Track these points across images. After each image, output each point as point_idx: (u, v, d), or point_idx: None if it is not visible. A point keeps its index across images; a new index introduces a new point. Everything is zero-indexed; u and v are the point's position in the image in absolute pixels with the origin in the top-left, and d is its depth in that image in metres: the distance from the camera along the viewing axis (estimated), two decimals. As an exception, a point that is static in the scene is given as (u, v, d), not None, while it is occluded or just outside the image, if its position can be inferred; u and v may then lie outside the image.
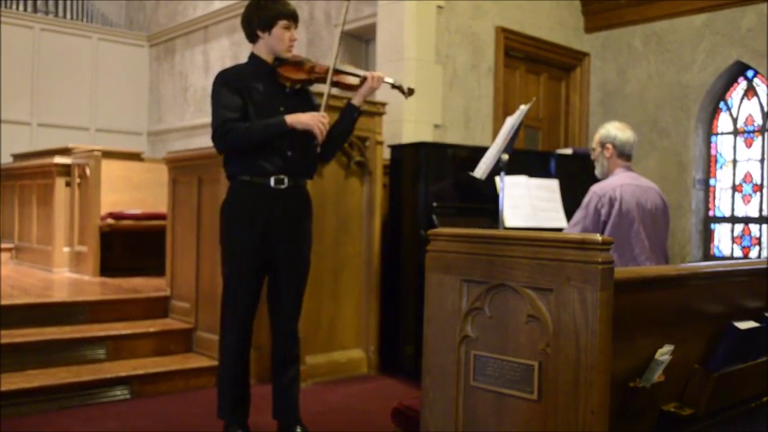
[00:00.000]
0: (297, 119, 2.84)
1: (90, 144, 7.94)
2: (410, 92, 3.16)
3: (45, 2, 10.01)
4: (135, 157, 6.17)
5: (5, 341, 3.63)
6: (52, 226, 5.93)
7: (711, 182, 5.89)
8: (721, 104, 5.85)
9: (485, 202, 4.34)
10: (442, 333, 1.77)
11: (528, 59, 6.14)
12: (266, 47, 2.95)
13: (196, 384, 3.90)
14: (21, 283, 5.08)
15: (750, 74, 5.66)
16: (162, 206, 5.05)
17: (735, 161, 5.79)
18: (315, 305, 4.03)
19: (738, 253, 5.74)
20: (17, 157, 7.71)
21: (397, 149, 4.58)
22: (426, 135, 5.15)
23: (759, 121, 5.67)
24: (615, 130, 3.46)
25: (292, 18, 2.94)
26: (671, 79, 5.92)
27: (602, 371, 1.49)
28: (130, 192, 5.89)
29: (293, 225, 2.96)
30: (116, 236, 5.78)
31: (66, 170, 5.93)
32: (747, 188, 5.73)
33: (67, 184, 5.93)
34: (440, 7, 5.30)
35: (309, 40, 7.16)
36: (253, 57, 2.99)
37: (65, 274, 5.79)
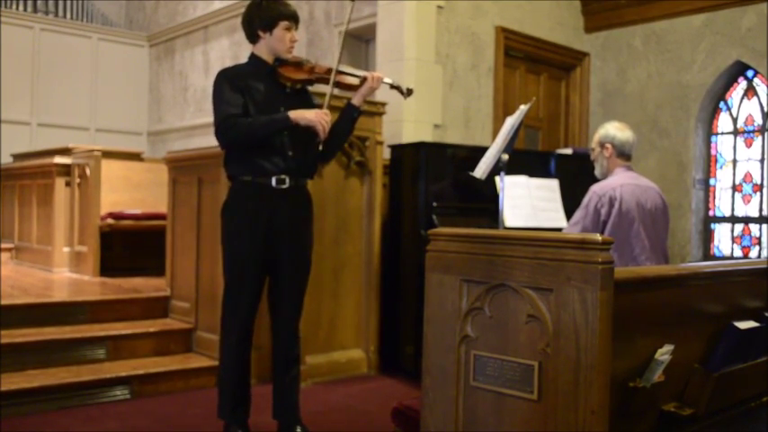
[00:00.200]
0: (300, 115, 2.84)
1: (90, 144, 7.94)
2: (409, 92, 3.16)
3: (45, 2, 10.01)
4: (135, 157, 6.17)
5: (5, 341, 3.63)
6: (52, 226, 5.93)
7: (711, 182, 5.89)
8: (721, 104, 5.85)
9: (485, 202, 4.34)
10: (441, 333, 1.77)
11: (528, 59, 6.14)
12: (267, 47, 2.95)
13: (196, 384, 3.90)
14: (21, 283, 5.08)
15: (750, 74, 5.66)
16: (162, 206, 5.05)
17: (735, 161, 5.79)
18: (315, 305, 4.03)
19: (738, 253, 5.74)
20: (17, 157, 7.71)
21: (397, 149, 4.58)
22: (426, 135, 5.15)
23: (759, 120, 5.67)
24: (614, 129, 3.46)
25: (293, 19, 2.94)
26: (671, 79, 5.92)
27: (602, 371, 1.49)
28: (130, 192, 5.89)
29: (295, 225, 2.96)
30: (116, 236, 5.78)
31: (66, 170, 5.93)
32: (747, 188, 5.73)
33: (67, 184, 5.93)
34: (440, 7, 5.30)
35: (309, 40, 7.16)
36: (253, 57, 2.99)
37: (65, 274, 5.79)
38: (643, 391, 1.71)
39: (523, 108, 4.03)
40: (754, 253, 5.64)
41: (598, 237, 1.51)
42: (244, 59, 3.08)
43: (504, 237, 1.67)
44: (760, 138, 5.66)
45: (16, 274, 5.62)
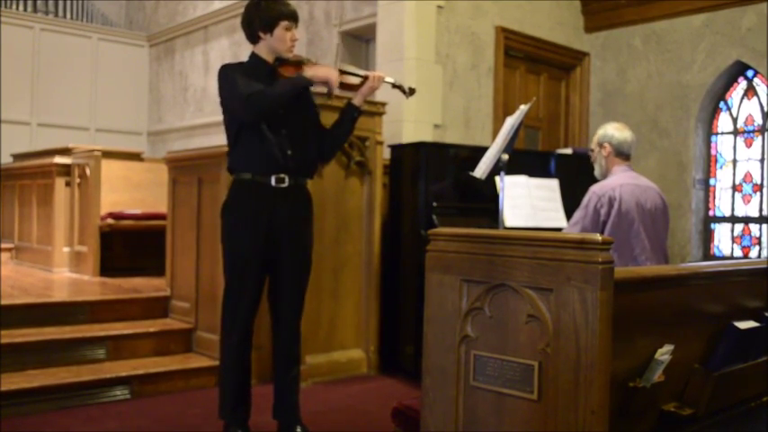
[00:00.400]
0: (314, 72, 2.88)
1: (90, 144, 7.94)
2: (411, 92, 3.16)
3: (45, 2, 10.01)
4: (135, 157, 6.17)
5: (5, 341, 3.63)
6: (52, 226, 5.93)
7: (711, 182, 5.89)
8: (721, 104, 5.85)
9: (485, 202, 4.34)
10: (441, 333, 1.77)
11: (528, 59, 6.14)
12: (267, 47, 2.94)
13: (196, 384, 3.90)
14: (21, 283, 5.08)
15: (750, 74, 5.66)
16: (162, 206, 5.05)
17: (735, 161, 5.79)
18: (315, 305, 4.03)
19: (738, 253, 5.74)
20: (17, 157, 7.71)
21: (397, 149, 4.58)
22: (426, 135, 5.15)
23: (759, 120, 5.67)
24: (613, 129, 3.46)
25: (293, 18, 2.93)
26: (671, 79, 5.92)
27: (602, 371, 1.49)
28: (130, 192, 5.89)
29: (295, 224, 2.96)
30: (116, 236, 5.78)
31: (66, 170, 5.93)
32: (747, 188, 5.73)
33: (67, 184, 5.93)
34: (440, 7, 5.30)
35: (309, 39, 7.16)
36: (254, 56, 2.99)
37: (65, 274, 5.79)
38: (643, 391, 1.71)
39: (523, 108, 4.03)
40: (754, 253, 5.64)
41: (598, 237, 1.51)
42: (244, 59, 3.08)
43: (504, 237, 1.67)
44: (760, 138, 5.66)
45: (16, 274, 5.62)
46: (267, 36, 2.92)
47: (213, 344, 3.97)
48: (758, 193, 5.65)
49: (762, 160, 5.64)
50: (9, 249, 6.75)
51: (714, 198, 5.88)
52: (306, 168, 3.01)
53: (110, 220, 5.56)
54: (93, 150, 5.77)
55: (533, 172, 4.49)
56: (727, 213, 5.82)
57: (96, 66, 9.97)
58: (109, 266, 5.60)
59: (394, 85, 3.11)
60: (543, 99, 6.31)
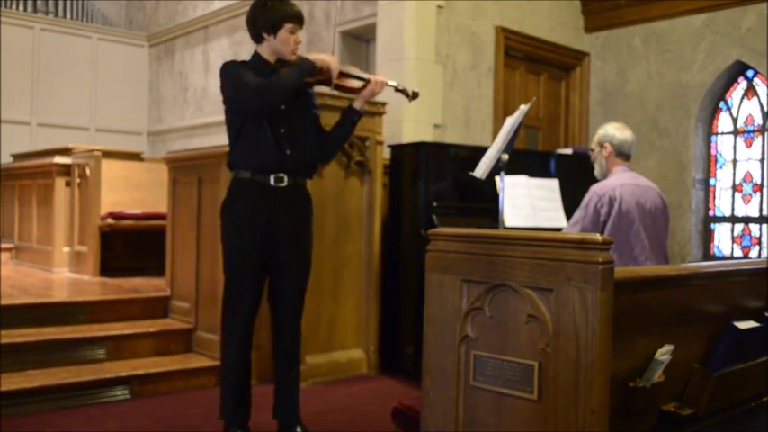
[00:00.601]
0: (317, 56, 2.90)
1: (90, 144, 7.94)
2: (414, 95, 3.14)
3: (45, 2, 10.01)
4: (135, 157, 6.17)
5: (5, 341, 3.63)
6: (52, 226, 5.93)
7: (711, 182, 5.89)
8: (721, 104, 5.85)
9: (485, 202, 4.34)
10: (441, 333, 1.77)
11: (528, 59, 6.14)
12: (270, 48, 2.93)
13: (196, 384, 3.90)
14: (21, 283, 5.08)
15: (750, 74, 5.66)
16: (162, 206, 5.05)
17: (735, 161, 5.79)
18: (315, 305, 4.03)
19: (738, 253, 5.74)
20: (17, 157, 7.71)
21: (397, 149, 4.58)
22: (426, 135, 5.15)
23: (759, 120, 5.67)
24: (613, 129, 3.46)
25: (298, 21, 2.91)
26: (671, 79, 5.92)
27: (602, 371, 1.49)
28: (130, 192, 5.89)
29: (294, 224, 2.96)
30: (116, 236, 5.78)
31: (66, 170, 5.93)
32: (747, 188, 5.73)
33: (67, 184, 5.92)
34: (440, 7, 5.30)
35: (309, 39, 7.15)
36: (256, 56, 2.98)
37: (65, 274, 5.79)
38: (643, 391, 1.71)
39: (523, 108, 4.03)
40: (754, 253, 5.64)
41: (598, 237, 1.51)
42: (244, 59, 3.07)
43: (504, 237, 1.67)
44: (760, 138, 5.66)
45: (16, 274, 5.62)
46: (271, 37, 2.90)
47: (213, 344, 3.97)
48: (758, 193, 5.64)
49: (762, 160, 5.64)
50: (9, 249, 6.75)
51: (714, 198, 5.88)
52: (305, 168, 3.01)
53: (110, 220, 5.56)
54: (93, 150, 5.77)
55: (533, 172, 4.49)
56: (727, 213, 5.82)
57: (96, 66, 9.97)
58: (109, 266, 5.59)
59: (397, 89, 3.11)
60: (543, 99, 6.31)
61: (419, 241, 4.19)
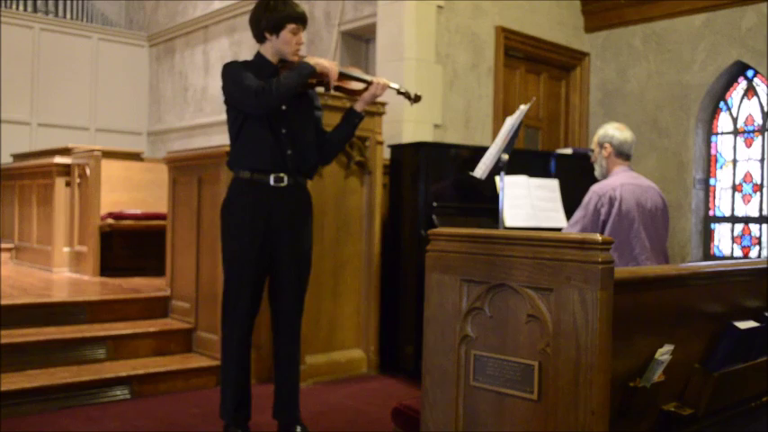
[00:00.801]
0: (317, 61, 2.88)
1: (90, 144, 7.94)
2: (417, 98, 3.14)
3: (45, 2, 10.01)
4: (135, 156, 6.17)
5: (5, 341, 3.63)
6: (52, 226, 5.93)
7: (711, 182, 5.89)
8: (721, 104, 5.85)
9: (485, 202, 4.34)
10: (442, 333, 1.77)
11: (528, 59, 6.14)
12: (273, 49, 2.94)
13: (196, 384, 3.90)
14: (21, 283, 5.08)
15: (750, 73, 5.66)
16: (162, 206, 5.05)
17: (735, 161, 5.79)
18: (315, 305, 4.03)
19: (738, 253, 5.74)
20: (17, 157, 7.71)
21: (396, 149, 4.58)
22: (426, 135, 5.15)
23: (759, 120, 5.67)
24: (613, 129, 3.47)
25: (301, 21, 2.91)
26: (671, 79, 5.92)
27: (602, 371, 1.49)
28: (130, 192, 5.89)
29: (294, 224, 2.96)
30: (116, 236, 5.78)
31: (66, 170, 5.93)
32: (747, 188, 5.73)
33: (67, 184, 5.93)
34: (440, 7, 5.30)
35: (309, 39, 7.15)
36: (259, 56, 2.98)
37: (65, 274, 5.79)
38: (643, 391, 1.71)
39: (523, 108, 4.03)
40: (754, 253, 5.64)
41: (598, 237, 1.51)
42: (244, 59, 3.07)
43: (504, 237, 1.67)
44: (760, 138, 5.66)
45: (16, 274, 5.62)
46: (273, 37, 2.91)
47: (213, 344, 3.97)
48: (758, 193, 5.64)
49: (762, 160, 5.64)
50: (9, 249, 6.75)
51: (714, 198, 5.88)
52: (305, 168, 3.01)
53: (110, 220, 5.56)
54: (93, 150, 5.77)
55: (533, 172, 4.49)
56: (727, 213, 5.82)
57: (96, 66, 9.97)
58: (109, 266, 5.60)
59: (399, 92, 3.10)
60: (543, 99, 6.31)
61: (419, 241, 4.19)
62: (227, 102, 2.94)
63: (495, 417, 1.67)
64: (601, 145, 3.48)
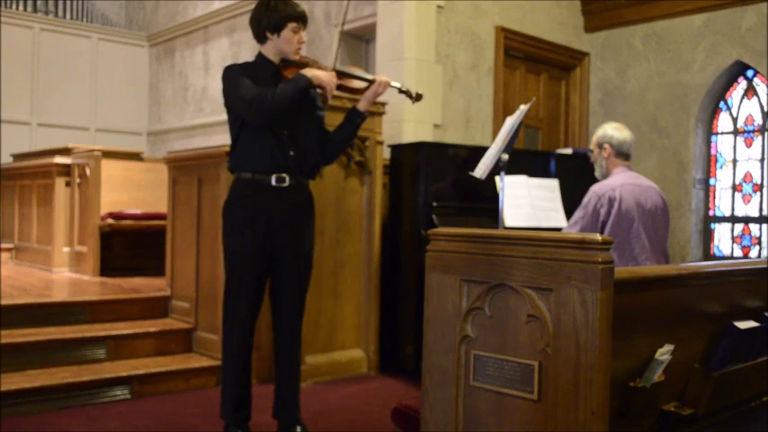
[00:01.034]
0: (314, 74, 2.86)
1: (90, 144, 7.94)
2: (418, 97, 3.14)
3: (45, 2, 10.01)
4: (135, 156, 6.17)
5: (5, 341, 3.63)
6: (52, 226, 5.93)
7: (711, 181, 5.89)
8: (721, 104, 5.85)
9: (485, 202, 4.34)
10: (442, 333, 1.77)
11: (528, 59, 6.14)
12: (274, 48, 2.94)
13: (196, 384, 3.90)
14: (21, 283, 5.08)
15: (750, 73, 5.66)
16: (162, 206, 5.05)
17: (735, 161, 5.79)
18: (315, 305, 4.03)
19: (738, 253, 5.74)
20: (17, 157, 7.71)
21: (396, 149, 4.58)
22: (426, 135, 5.15)
23: (759, 120, 5.67)
24: (612, 130, 3.47)
25: (302, 20, 2.92)
26: (671, 79, 5.92)
27: (602, 370, 1.49)
28: (130, 192, 5.89)
29: (295, 224, 2.96)
30: (116, 236, 5.78)
31: (66, 170, 5.93)
32: (747, 188, 5.73)
33: (67, 184, 5.93)
34: (440, 7, 5.30)
35: (309, 39, 7.15)
36: (260, 56, 2.98)
37: (65, 274, 5.79)
38: (643, 391, 1.71)
39: (523, 108, 4.03)
40: (754, 253, 5.64)
41: (598, 237, 1.51)
42: (244, 59, 3.07)
43: (504, 237, 1.67)
44: (760, 137, 5.66)
45: (16, 274, 5.62)
46: (274, 37, 2.91)
47: (213, 344, 3.97)
48: (758, 193, 5.64)
49: (762, 160, 5.64)
50: (9, 249, 6.75)
51: (714, 198, 5.88)
52: (307, 169, 3.01)
53: (110, 220, 5.56)
54: (93, 150, 5.77)
55: (533, 172, 4.49)
56: (727, 213, 5.82)
57: (96, 66, 9.98)
58: (109, 266, 5.60)
59: (401, 90, 3.11)
60: (543, 99, 6.31)
61: (419, 241, 4.19)
62: (227, 104, 2.94)
63: (495, 417, 1.67)
64: (600, 145, 3.48)
